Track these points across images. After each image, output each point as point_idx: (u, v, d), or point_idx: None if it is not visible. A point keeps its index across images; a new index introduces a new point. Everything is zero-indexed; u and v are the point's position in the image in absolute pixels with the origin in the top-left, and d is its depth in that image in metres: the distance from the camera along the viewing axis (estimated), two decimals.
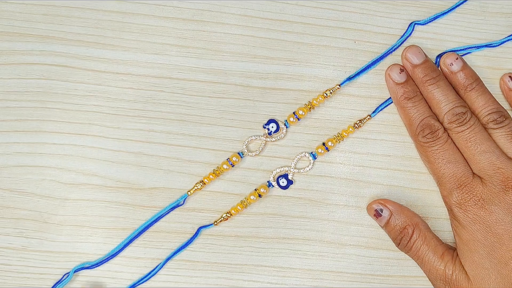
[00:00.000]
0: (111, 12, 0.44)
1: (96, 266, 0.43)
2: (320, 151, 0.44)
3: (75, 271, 0.43)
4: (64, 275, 0.43)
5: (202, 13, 0.44)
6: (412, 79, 0.43)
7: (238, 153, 0.44)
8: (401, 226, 0.42)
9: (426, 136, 0.42)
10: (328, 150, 0.44)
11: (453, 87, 0.43)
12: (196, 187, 0.43)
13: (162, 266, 0.43)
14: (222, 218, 0.43)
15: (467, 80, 0.43)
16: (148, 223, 0.43)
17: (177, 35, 0.44)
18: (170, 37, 0.44)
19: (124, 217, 0.44)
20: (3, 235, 0.43)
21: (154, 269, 0.43)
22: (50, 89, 0.44)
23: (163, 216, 0.44)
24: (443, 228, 0.44)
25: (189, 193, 0.43)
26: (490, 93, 0.43)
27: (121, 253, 0.43)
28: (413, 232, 0.42)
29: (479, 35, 0.45)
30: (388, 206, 0.43)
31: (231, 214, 0.43)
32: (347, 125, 0.44)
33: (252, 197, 0.43)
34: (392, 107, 0.44)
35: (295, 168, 0.44)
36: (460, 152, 0.42)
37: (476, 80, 0.43)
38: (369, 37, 0.45)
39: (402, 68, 0.43)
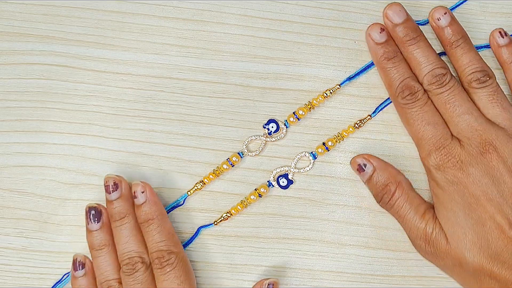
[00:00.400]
0: (111, 12, 0.44)
1: None
2: (320, 151, 0.44)
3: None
4: (64, 275, 0.43)
5: (202, 13, 0.44)
6: (393, 38, 0.43)
7: (238, 153, 0.44)
8: (384, 183, 0.42)
9: (406, 98, 0.41)
10: (328, 150, 0.44)
11: (440, 42, 0.43)
12: (196, 187, 0.43)
13: None
14: (222, 218, 0.43)
15: (453, 37, 0.42)
16: None
17: (177, 35, 0.44)
18: (170, 37, 0.44)
19: None
20: (3, 235, 0.43)
21: None
22: (50, 89, 0.44)
23: None
24: None
25: (189, 193, 0.43)
26: (476, 51, 0.42)
27: None
28: (395, 190, 0.42)
29: (479, 35, 0.45)
30: (372, 161, 0.42)
31: (231, 214, 0.43)
32: (347, 125, 0.44)
33: (252, 197, 0.43)
34: (392, 107, 0.44)
35: (295, 168, 0.44)
36: (440, 114, 0.42)
37: (462, 36, 0.42)
38: None
39: (383, 27, 0.43)
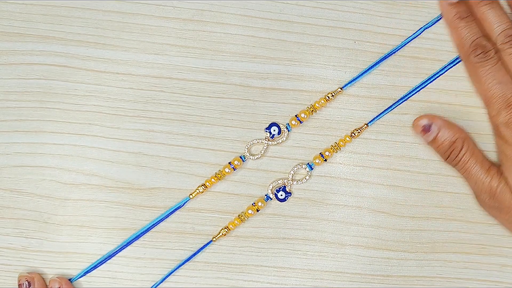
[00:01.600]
0: (111, 12, 0.44)
1: (94, 269, 0.43)
2: (317, 161, 0.44)
3: (74, 280, 0.43)
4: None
5: (202, 13, 0.44)
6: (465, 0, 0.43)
7: (240, 156, 0.44)
8: (451, 140, 0.42)
9: (478, 56, 0.42)
10: (325, 160, 0.44)
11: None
12: (198, 191, 0.43)
13: (167, 277, 0.43)
14: (221, 234, 0.43)
15: None
16: (148, 226, 0.43)
17: (177, 35, 0.44)
18: (170, 37, 0.44)
19: (124, 217, 0.44)
20: (3, 235, 0.43)
21: (162, 280, 0.43)
22: (50, 89, 0.44)
23: (164, 219, 0.43)
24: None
25: (191, 196, 0.43)
26: None
27: (121, 253, 0.44)
28: (462, 146, 0.42)
29: None
30: (436, 121, 0.43)
31: (229, 229, 0.43)
32: (347, 125, 0.44)
33: (249, 211, 0.43)
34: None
35: (292, 180, 0.44)
36: (511, 74, 0.42)
37: None
38: (369, 37, 0.45)
39: None
